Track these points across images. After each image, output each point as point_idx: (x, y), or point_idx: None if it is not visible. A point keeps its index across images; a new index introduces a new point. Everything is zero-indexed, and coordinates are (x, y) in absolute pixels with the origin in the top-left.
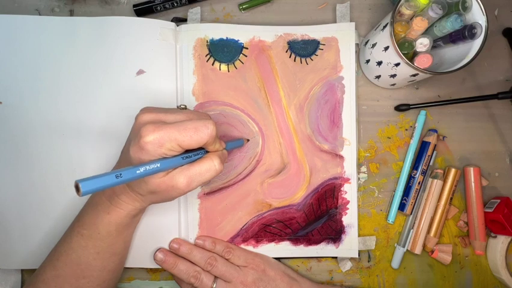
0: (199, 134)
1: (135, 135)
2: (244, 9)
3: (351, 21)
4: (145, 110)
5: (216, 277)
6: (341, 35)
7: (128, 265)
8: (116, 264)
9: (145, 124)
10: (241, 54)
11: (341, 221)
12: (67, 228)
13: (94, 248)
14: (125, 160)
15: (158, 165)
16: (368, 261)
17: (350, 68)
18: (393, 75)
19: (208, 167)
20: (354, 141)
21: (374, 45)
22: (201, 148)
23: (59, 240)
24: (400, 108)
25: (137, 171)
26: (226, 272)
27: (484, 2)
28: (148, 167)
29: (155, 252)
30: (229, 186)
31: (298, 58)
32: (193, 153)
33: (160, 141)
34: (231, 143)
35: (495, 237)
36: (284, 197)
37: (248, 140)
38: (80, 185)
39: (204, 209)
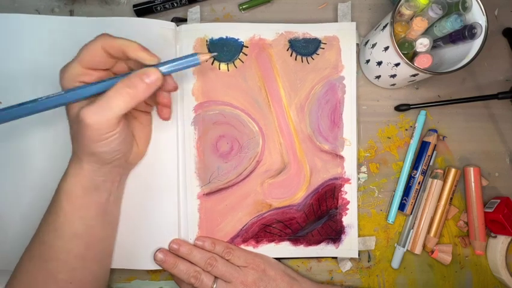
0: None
1: None
2: (244, 9)
3: (351, 21)
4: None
5: (216, 277)
6: (342, 34)
7: (127, 266)
8: (80, 249)
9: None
10: (241, 53)
11: (341, 221)
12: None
13: (53, 223)
14: None
15: (63, 92)
16: (368, 261)
17: (350, 68)
18: (393, 75)
19: (120, 88)
20: (354, 142)
21: (374, 45)
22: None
23: None
24: (400, 108)
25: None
26: (226, 272)
27: (484, 2)
28: (52, 94)
29: (155, 252)
30: (229, 187)
31: (299, 57)
32: (102, 82)
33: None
34: (172, 62)
35: (495, 237)
36: (284, 197)
37: (211, 58)
38: None
39: (203, 210)
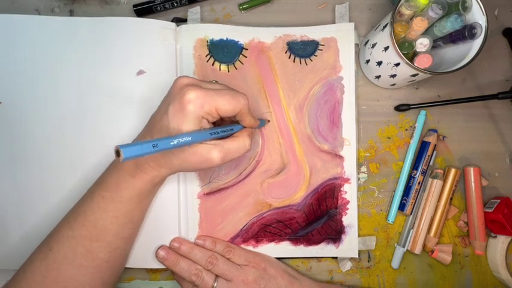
0: (235, 100)
1: (174, 96)
2: (244, 9)
3: (350, 21)
4: (183, 76)
5: (217, 276)
6: (340, 35)
7: (128, 265)
8: (130, 232)
9: (187, 85)
10: (241, 55)
11: (341, 221)
12: (86, 192)
13: (114, 211)
14: (158, 126)
15: (190, 138)
16: (368, 261)
17: (349, 68)
18: (393, 75)
19: (242, 144)
20: (354, 141)
21: (374, 45)
22: (227, 126)
23: (77, 202)
24: (400, 108)
25: (171, 143)
26: (227, 270)
27: (484, 2)
28: (180, 140)
29: (157, 249)
30: (229, 187)
31: (297, 59)
32: (221, 130)
33: (201, 102)
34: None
35: (495, 237)
36: (284, 197)
37: (268, 121)
38: (121, 151)
39: (203, 209)
